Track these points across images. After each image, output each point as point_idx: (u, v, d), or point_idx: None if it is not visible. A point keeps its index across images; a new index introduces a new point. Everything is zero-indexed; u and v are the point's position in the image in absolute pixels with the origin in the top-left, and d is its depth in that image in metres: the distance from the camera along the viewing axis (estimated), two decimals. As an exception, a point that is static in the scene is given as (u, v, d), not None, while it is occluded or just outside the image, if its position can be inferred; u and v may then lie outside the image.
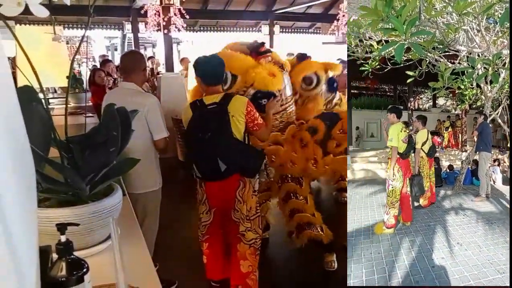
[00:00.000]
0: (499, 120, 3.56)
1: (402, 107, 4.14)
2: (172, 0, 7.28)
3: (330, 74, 3.06)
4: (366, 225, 3.13)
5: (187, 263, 3.02)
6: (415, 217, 3.19)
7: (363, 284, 2.26)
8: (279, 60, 2.88)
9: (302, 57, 3.07)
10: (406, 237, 2.85)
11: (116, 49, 16.16)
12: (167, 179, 2.79)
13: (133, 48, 10.69)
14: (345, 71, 3.37)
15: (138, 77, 2.62)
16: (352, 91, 6.44)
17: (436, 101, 7.98)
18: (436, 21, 1.67)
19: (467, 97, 3.15)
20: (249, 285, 2.43)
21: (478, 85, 2.95)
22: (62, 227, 0.85)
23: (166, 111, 2.75)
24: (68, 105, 1.31)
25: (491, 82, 2.79)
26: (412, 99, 7.17)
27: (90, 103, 5.43)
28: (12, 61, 4.15)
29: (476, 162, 4.06)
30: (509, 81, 2.53)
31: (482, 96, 3.03)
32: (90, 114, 4.66)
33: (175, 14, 7.61)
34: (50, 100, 5.34)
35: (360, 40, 1.97)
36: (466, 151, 5.89)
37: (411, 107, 6.86)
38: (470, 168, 4.23)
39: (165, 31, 7.42)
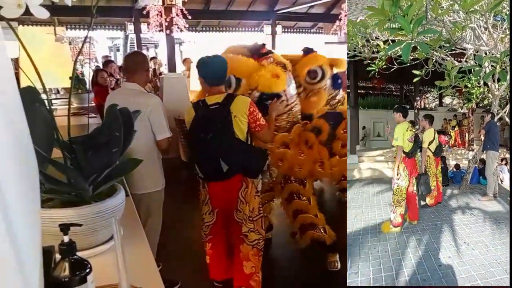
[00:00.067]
0: (507, 119, 3.52)
1: (408, 107, 4.14)
2: (174, 0, 7.28)
3: (335, 70, 3.05)
4: (373, 224, 3.15)
5: (190, 263, 3.02)
6: (421, 216, 3.20)
7: (370, 282, 2.27)
8: (281, 61, 2.88)
9: (308, 51, 3.07)
10: (413, 236, 2.86)
11: (118, 50, 16.22)
12: (170, 180, 2.79)
13: (136, 49, 10.73)
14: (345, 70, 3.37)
15: (141, 78, 2.63)
16: (359, 91, 6.47)
17: (443, 100, 7.98)
18: (442, 20, 1.66)
19: (474, 96, 3.13)
20: (252, 286, 2.43)
21: (485, 84, 2.93)
22: (65, 228, 0.85)
23: (168, 111, 2.75)
24: (71, 106, 1.32)
25: (498, 80, 2.78)
26: (418, 98, 7.17)
27: (93, 104, 5.45)
28: (15, 62, 4.16)
29: (483, 161, 4.04)
30: None
31: (490, 95, 3.01)
32: (93, 115, 4.68)
33: (177, 15, 7.62)
34: (53, 101, 5.34)
35: (367, 40, 1.96)
36: (473, 150, 5.87)
37: (417, 106, 6.86)
38: (477, 167, 4.21)
39: (167, 31, 7.42)
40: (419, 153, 3.37)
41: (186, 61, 8.27)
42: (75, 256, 0.85)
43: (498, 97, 3.08)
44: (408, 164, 3.03)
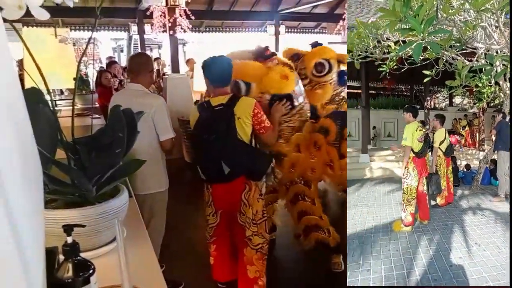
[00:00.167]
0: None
1: (418, 107, 4.14)
2: (178, 1, 7.30)
3: (342, 67, 3.04)
4: (385, 223, 3.18)
5: (194, 264, 3.02)
6: (432, 216, 3.21)
7: (382, 280, 2.29)
8: (285, 61, 2.87)
9: (316, 45, 3.07)
10: (424, 235, 2.87)
11: (122, 51, 16.24)
12: (174, 180, 2.79)
13: (139, 50, 10.76)
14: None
15: (145, 79, 2.64)
16: (370, 91, 6.50)
17: (453, 100, 7.97)
18: (453, 19, 1.65)
19: (485, 95, 3.12)
20: None
21: (496, 83, 2.91)
22: (68, 228, 0.85)
23: (172, 112, 2.76)
24: (75, 107, 1.32)
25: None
26: (428, 98, 7.17)
27: (97, 105, 5.46)
28: (20, 63, 4.18)
29: (494, 162, 4.02)
30: None
31: (501, 94, 2.99)
32: (97, 116, 4.69)
33: (180, 15, 7.63)
34: (57, 102, 5.37)
35: (378, 41, 1.96)
36: (483, 150, 5.85)
37: (427, 106, 6.86)
38: (488, 168, 4.19)
39: (171, 32, 7.44)
40: (430, 153, 3.37)
41: (189, 62, 8.28)
42: (78, 257, 0.85)
43: (509, 96, 3.06)
44: (418, 164, 3.03)
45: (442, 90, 7.92)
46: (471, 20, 1.69)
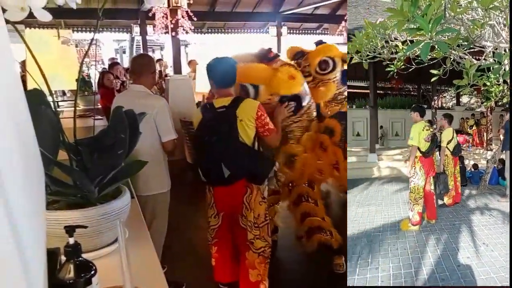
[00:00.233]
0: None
1: (425, 106, 4.15)
2: (180, 2, 7.30)
3: (346, 67, 3.03)
4: (393, 221, 3.20)
5: (195, 265, 3.02)
6: (439, 215, 3.22)
7: (390, 278, 2.29)
8: (289, 62, 2.87)
9: (321, 43, 3.08)
10: (431, 235, 2.88)
11: (124, 52, 16.28)
12: (176, 181, 2.79)
13: (141, 51, 10.78)
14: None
15: (148, 80, 2.64)
16: (378, 91, 6.52)
17: (460, 99, 7.97)
18: (461, 18, 1.65)
19: (493, 94, 3.11)
20: None
21: (505, 81, 2.89)
22: (70, 229, 0.85)
23: (174, 113, 2.76)
24: (77, 108, 1.32)
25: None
26: (435, 97, 7.17)
27: (99, 106, 5.47)
28: (22, 64, 4.19)
29: (502, 161, 4.01)
30: None
31: (509, 93, 2.98)
32: (99, 117, 4.70)
33: (182, 17, 7.63)
34: (60, 103, 5.39)
35: (386, 41, 1.95)
36: (491, 150, 5.82)
37: (434, 105, 6.86)
38: (496, 168, 4.17)
39: (173, 33, 7.44)
40: (437, 153, 3.38)
41: (191, 63, 8.29)
42: (80, 258, 0.85)
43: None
44: (425, 163, 3.05)
45: (450, 89, 7.93)
46: (479, 19, 1.68)
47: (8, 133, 0.50)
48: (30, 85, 1.21)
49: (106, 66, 9.29)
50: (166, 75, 7.80)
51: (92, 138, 1.30)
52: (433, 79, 2.26)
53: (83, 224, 1.00)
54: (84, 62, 5.22)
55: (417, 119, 3.07)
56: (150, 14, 8.35)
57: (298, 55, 2.99)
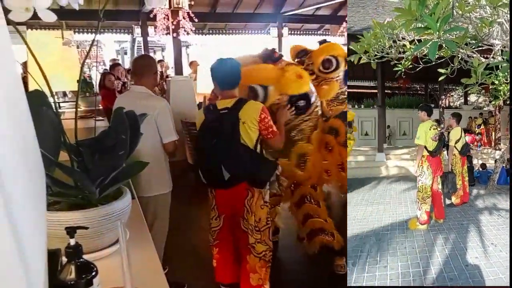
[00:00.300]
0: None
1: (433, 105, 4.15)
2: (181, 3, 7.31)
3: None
4: (401, 220, 3.22)
5: (197, 266, 3.02)
6: (447, 215, 3.23)
7: (399, 276, 2.30)
8: (293, 62, 2.88)
9: (324, 43, 3.08)
10: (440, 234, 2.89)
11: (126, 53, 16.31)
12: (177, 182, 2.79)
13: (143, 52, 10.79)
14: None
15: (149, 81, 2.64)
16: (385, 91, 6.55)
17: (468, 98, 7.95)
18: (469, 16, 1.64)
19: (501, 93, 3.11)
20: None
21: None
22: (71, 231, 0.85)
23: (175, 114, 2.76)
24: (79, 109, 1.32)
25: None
26: (443, 97, 7.16)
27: (100, 107, 5.48)
28: (24, 65, 4.20)
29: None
30: None
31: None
32: (100, 118, 4.70)
33: (184, 18, 7.64)
34: (61, 104, 5.39)
35: (394, 41, 1.95)
36: (500, 149, 5.79)
37: (442, 104, 6.85)
38: (504, 167, 4.15)
39: (174, 34, 7.45)
40: (445, 152, 3.38)
41: (192, 64, 8.30)
42: (81, 259, 0.85)
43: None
44: (432, 162, 3.05)
45: (457, 88, 7.93)
46: (487, 16, 1.68)
47: (8, 134, 0.50)
48: (32, 86, 1.21)
49: (108, 67, 9.30)
50: (167, 76, 7.80)
51: (93, 139, 1.30)
52: (440, 78, 2.26)
53: (84, 225, 1.00)
54: (85, 63, 5.22)
55: (425, 118, 3.09)
56: (151, 15, 8.36)
57: (302, 54, 2.99)
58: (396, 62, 2.09)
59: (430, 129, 3.03)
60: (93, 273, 0.85)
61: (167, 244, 2.76)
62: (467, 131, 4.94)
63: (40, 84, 1.11)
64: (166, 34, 7.97)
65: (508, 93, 3.05)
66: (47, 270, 0.70)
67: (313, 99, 2.73)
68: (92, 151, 1.22)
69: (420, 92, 8.29)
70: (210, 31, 12.70)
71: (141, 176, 2.34)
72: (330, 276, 2.94)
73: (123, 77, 6.17)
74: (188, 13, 7.76)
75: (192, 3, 7.84)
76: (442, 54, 1.93)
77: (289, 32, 12.09)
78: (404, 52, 2.06)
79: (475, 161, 4.94)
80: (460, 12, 1.56)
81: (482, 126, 6.70)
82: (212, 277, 2.58)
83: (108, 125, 1.34)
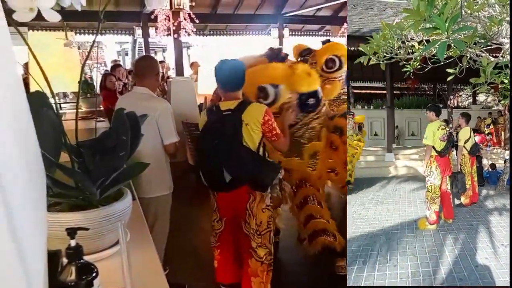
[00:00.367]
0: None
1: (441, 105, 4.15)
2: (182, 4, 7.32)
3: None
4: (410, 220, 3.23)
5: (197, 267, 3.02)
6: (457, 215, 3.23)
7: (408, 275, 2.31)
8: (299, 61, 2.88)
9: (327, 42, 3.10)
10: (449, 234, 2.90)
11: (127, 54, 16.34)
12: (178, 183, 2.79)
13: (144, 53, 10.82)
14: None
15: (151, 82, 2.64)
16: (394, 91, 6.55)
17: (476, 98, 7.93)
18: (477, 15, 1.64)
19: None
20: None
21: None
22: (72, 232, 0.85)
23: (176, 115, 2.76)
24: (80, 110, 1.33)
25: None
26: (451, 97, 7.15)
27: (101, 108, 5.48)
28: (25, 67, 4.21)
29: None
30: None
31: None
32: (101, 119, 4.71)
33: (184, 19, 7.65)
34: (62, 105, 5.39)
35: (403, 42, 1.95)
36: (509, 149, 5.77)
37: (450, 105, 6.85)
38: None
39: (175, 35, 7.46)
40: (454, 152, 3.38)
41: (193, 65, 8.30)
42: (81, 260, 0.85)
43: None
44: (441, 162, 3.06)
45: (466, 88, 7.91)
46: (496, 15, 1.67)
47: (9, 135, 0.50)
48: (33, 87, 1.21)
49: (109, 68, 9.31)
50: (168, 77, 7.80)
51: (94, 140, 1.30)
52: (449, 78, 2.24)
53: (84, 226, 1.00)
54: (86, 64, 5.22)
55: (433, 118, 3.10)
56: (152, 17, 8.38)
57: (305, 53, 2.99)
58: (404, 62, 2.09)
59: (438, 129, 3.03)
60: (94, 274, 0.85)
61: (168, 245, 2.76)
62: (476, 131, 4.93)
63: (41, 85, 1.11)
64: (167, 35, 7.99)
65: None
66: (47, 270, 0.70)
67: (320, 97, 2.73)
68: (93, 152, 1.22)
69: (428, 92, 8.29)
70: (211, 32, 12.71)
71: (142, 177, 2.33)
72: (330, 277, 2.94)
73: (124, 78, 6.18)
74: (189, 14, 7.78)
75: (193, 4, 7.86)
76: (450, 54, 1.92)
77: (290, 33, 12.10)
78: (412, 53, 2.06)
79: (484, 161, 4.92)
80: (469, 11, 1.56)
81: (491, 126, 6.66)
82: (213, 278, 2.58)
83: (109, 126, 1.34)
